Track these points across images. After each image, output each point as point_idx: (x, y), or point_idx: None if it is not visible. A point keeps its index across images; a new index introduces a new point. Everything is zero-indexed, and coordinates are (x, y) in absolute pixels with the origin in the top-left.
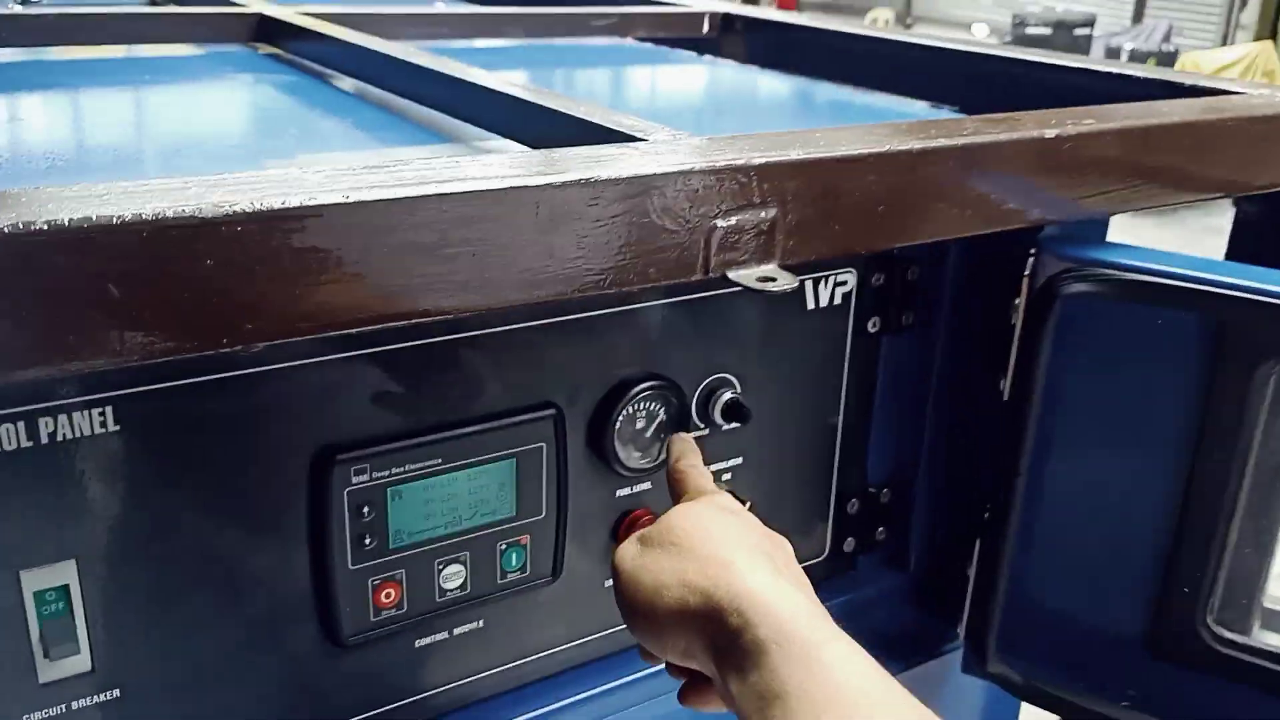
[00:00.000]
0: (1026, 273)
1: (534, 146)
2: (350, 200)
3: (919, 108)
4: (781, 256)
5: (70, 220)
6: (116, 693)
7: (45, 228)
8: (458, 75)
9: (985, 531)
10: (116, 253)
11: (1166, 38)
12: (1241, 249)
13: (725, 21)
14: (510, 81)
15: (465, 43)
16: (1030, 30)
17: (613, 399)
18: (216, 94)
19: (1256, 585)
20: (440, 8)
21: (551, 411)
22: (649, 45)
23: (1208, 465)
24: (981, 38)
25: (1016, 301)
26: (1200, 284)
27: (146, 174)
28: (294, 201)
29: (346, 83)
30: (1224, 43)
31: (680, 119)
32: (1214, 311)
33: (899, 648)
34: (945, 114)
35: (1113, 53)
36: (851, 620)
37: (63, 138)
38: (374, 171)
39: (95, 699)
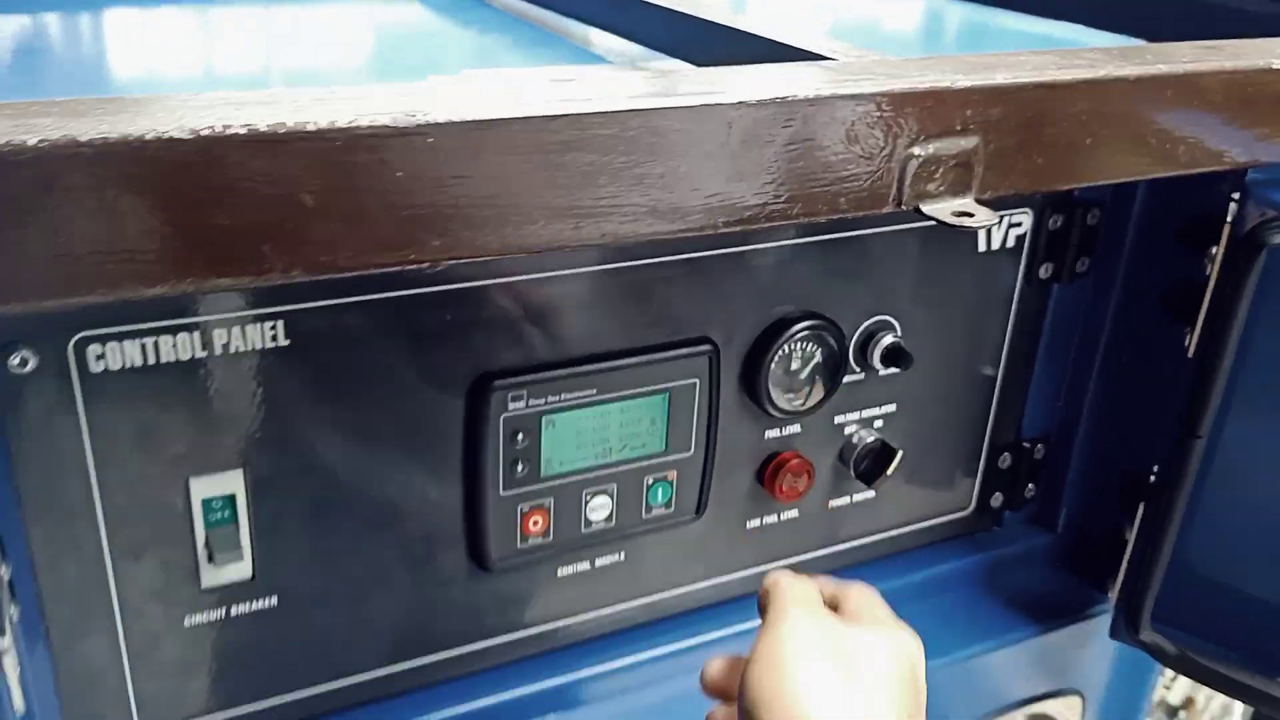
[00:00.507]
0: (1228, 219)
1: (695, 61)
2: (541, 114)
3: (1105, 39)
4: (979, 190)
5: (267, 125)
6: (274, 601)
7: (243, 132)
8: None
9: (1150, 494)
10: (311, 160)
11: None
12: None
13: None
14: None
15: None
16: None
17: (769, 337)
18: (371, 14)
19: None
20: None
21: (708, 348)
22: None
23: None
24: None
25: (1213, 250)
26: None
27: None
28: (485, 114)
29: (500, 2)
30: None
31: (856, 41)
32: None
33: (1039, 609)
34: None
35: None
36: (992, 579)
37: (242, 51)
38: (560, 85)
39: (253, 606)
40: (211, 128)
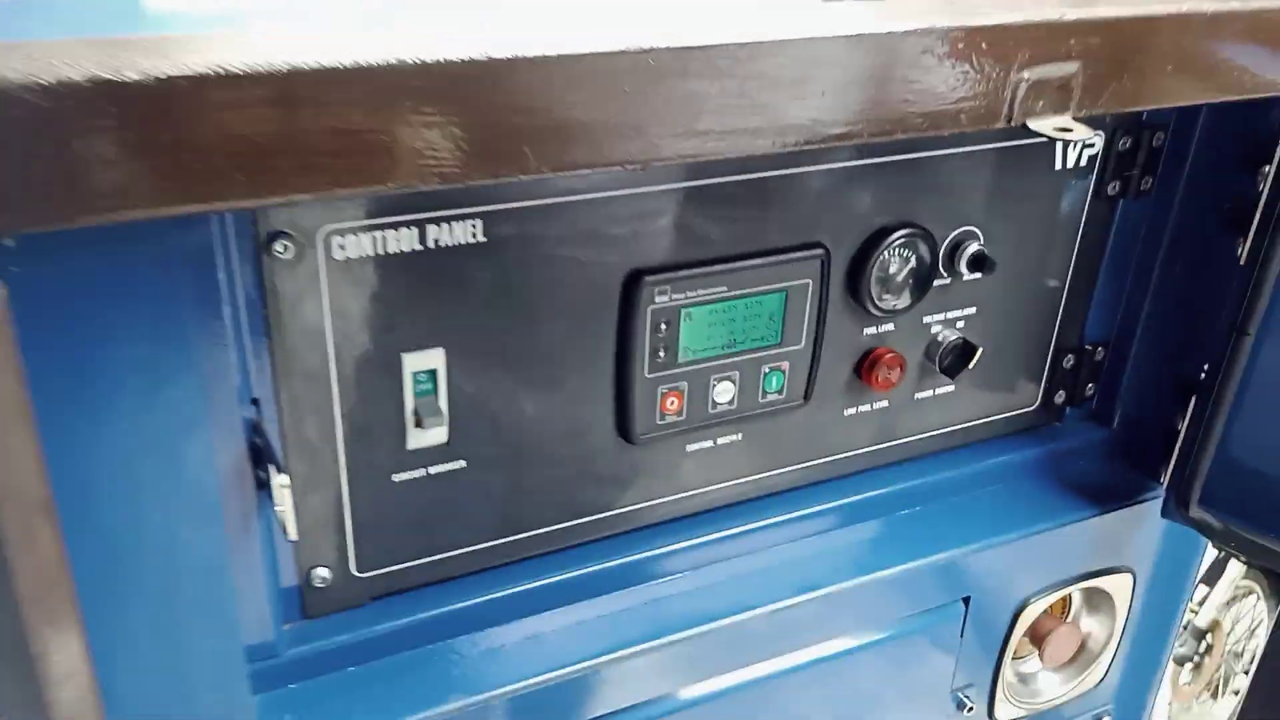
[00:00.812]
0: None
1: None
2: (722, 43)
3: None
4: (1075, 109)
5: (433, 59)
6: (462, 464)
7: (415, 64)
8: None
9: (1201, 389)
10: (578, 79)
11: None
12: None
13: None
14: None
15: None
16: None
17: (872, 243)
18: None
19: None
20: None
21: (820, 251)
22: None
23: None
24: None
25: (1266, 169)
26: None
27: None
28: (664, 43)
29: None
30: None
31: None
32: None
33: (1097, 494)
34: None
35: None
36: (1054, 468)
37: None
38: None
39: (447, 467)
40: (503, 55)
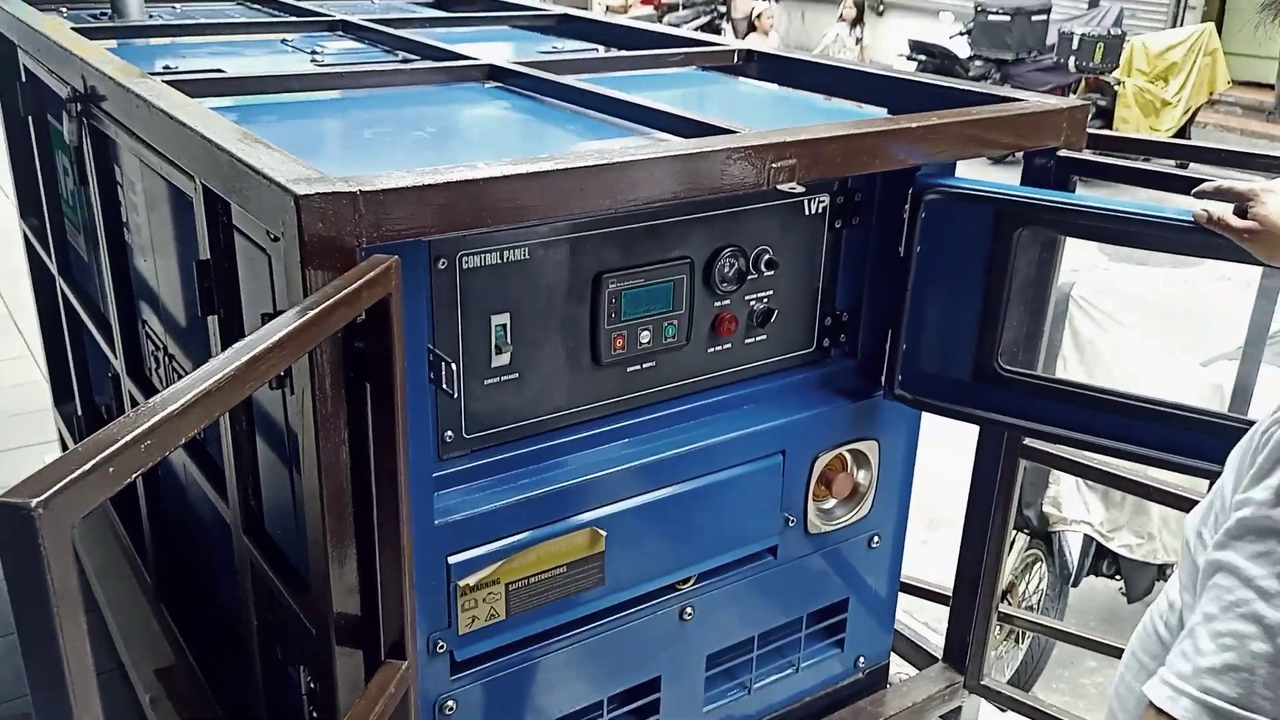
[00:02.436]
0: (911, 190)
1: (680, 135)
2: (634, 159)
3: (854, 106)
4: (798, 179)
5: (557, 168)
6: (516, 375)
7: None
8: (635, 100)
9: (894, 328)
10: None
11: (1117, 22)
12: (1030, 181)
13: (747, 54)
14: (656, 100)
15: (606, 73)
16: (991, 17)
17: (714, 255)
18: (492, 110)
19: (1021, 344)
20: (576, 53)
21: (688, 260)
22: (708, 71)
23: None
24: (947, 24)
25: (906, 206)
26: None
27: (493, 154)
28: (617, 159)
29: (551, 103)
30: (1174, 24)
31: (739, 113)
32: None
33: (851, 394)
34: (876, 112)
35: (1065, 37)
36: (827, 383)
37: (416, 133)
38: (637, 149)
39: (509, 377)
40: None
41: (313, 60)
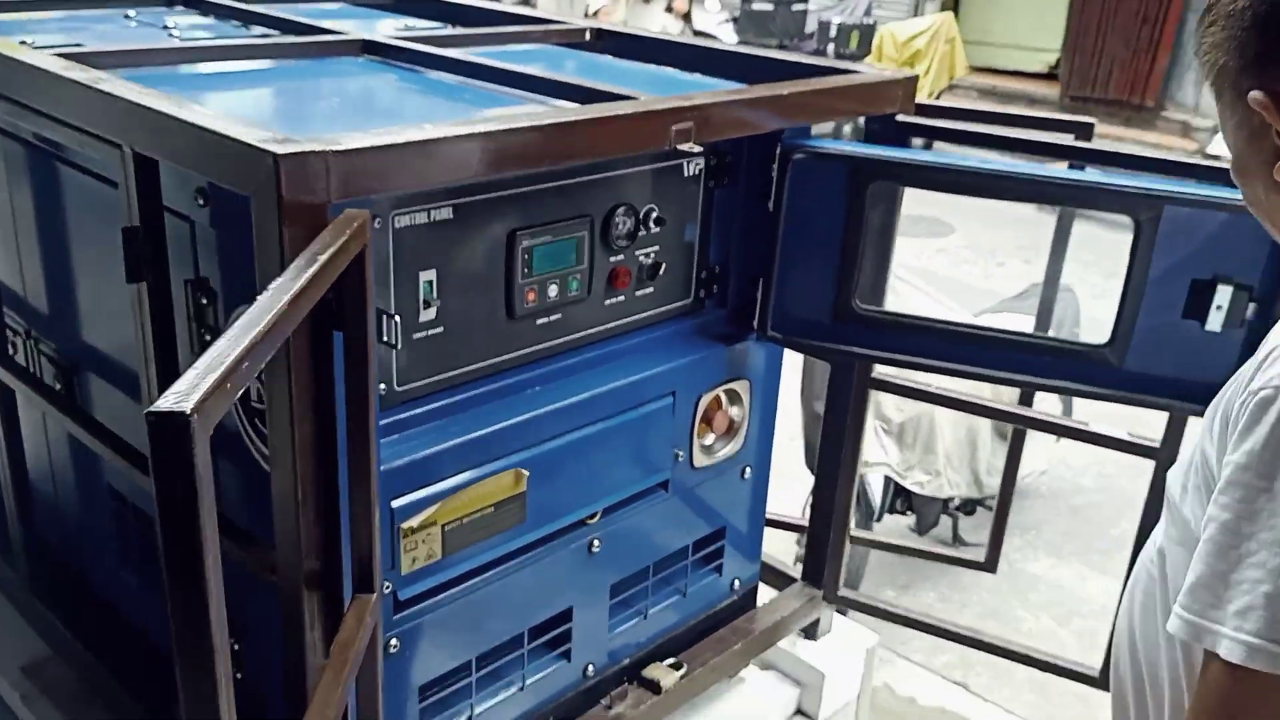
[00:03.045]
0: (779, 151)
1: (577, 102)
2: (571, 120)
3: (713, 80)
4: (694, 140)
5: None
6: (442, 329)
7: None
8: (526, 71)
9: (765, 276)
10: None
11: (868, 11)
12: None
13: (597, 33)
14: (530, 69)
15: (474, 48)
16: (755, 6)
17: (610, 214)
18: (384, 82)
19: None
20: (433, 29)
21: (589, 218)
22: (562, 47)
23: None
24: (714, 13)
25: (773, 165)
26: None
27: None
28: (562, 120)
29: (437, 75)
30: (915, 14)
31: (617, 84)
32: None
33: (726, 339)
34: (737, 84)
35: (823, 26)
36: (702, 333)
37: (326, 102)
38: (573, 112)
39: (433, 331)
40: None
41: (170, 35)
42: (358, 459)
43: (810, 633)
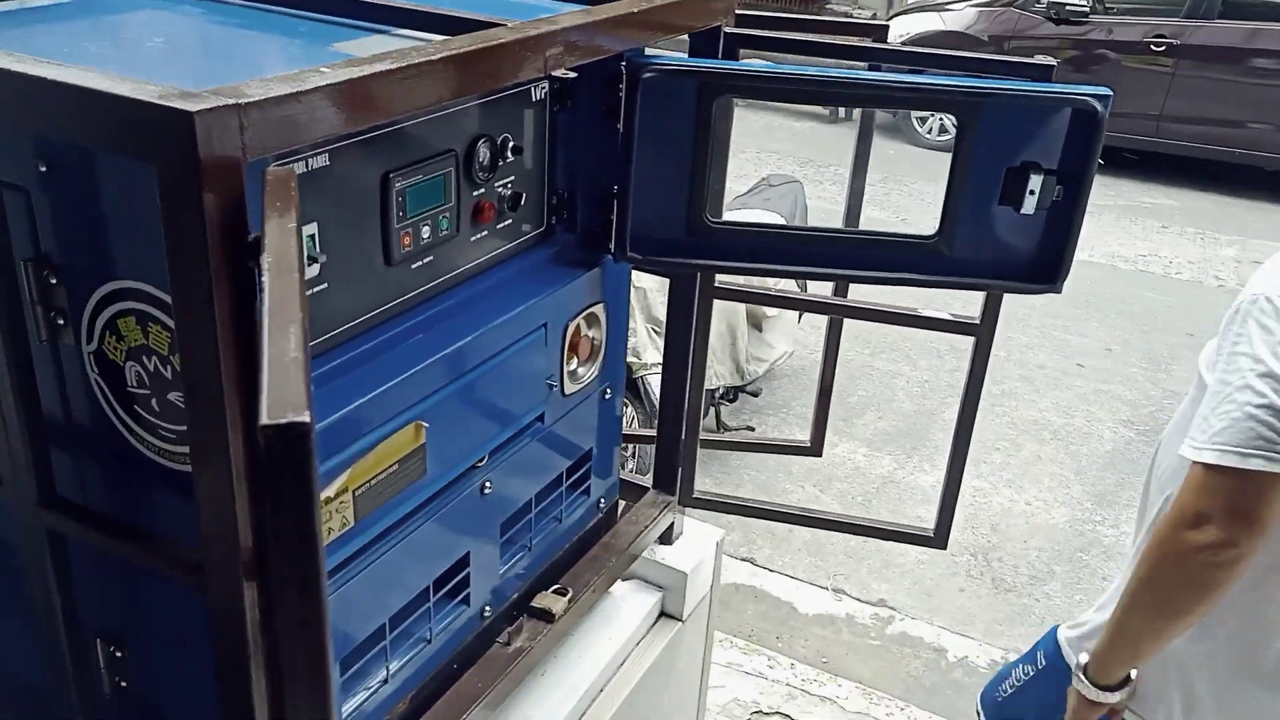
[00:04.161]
0: (626, 70)
1: (448, 33)
2: (470, 49)
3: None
4: (564, 65)
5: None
6: (326, 285)
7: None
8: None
9: (614, 197)
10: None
11: None
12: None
13: None
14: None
15: None
16: None
17: (471, 146)
18: (209, 21)
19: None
20: None
21: (453, 151)
22: None
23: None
24: None
25: (621, 86)
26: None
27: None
28: (466, 49)
29: (262, 8)
30: None
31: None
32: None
33: (583, 264)
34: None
35: None
36: (559, 261)
37: (177, 53)
38: (466, 44)
39: (320, 286)
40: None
41: None
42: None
43: (665, 538)
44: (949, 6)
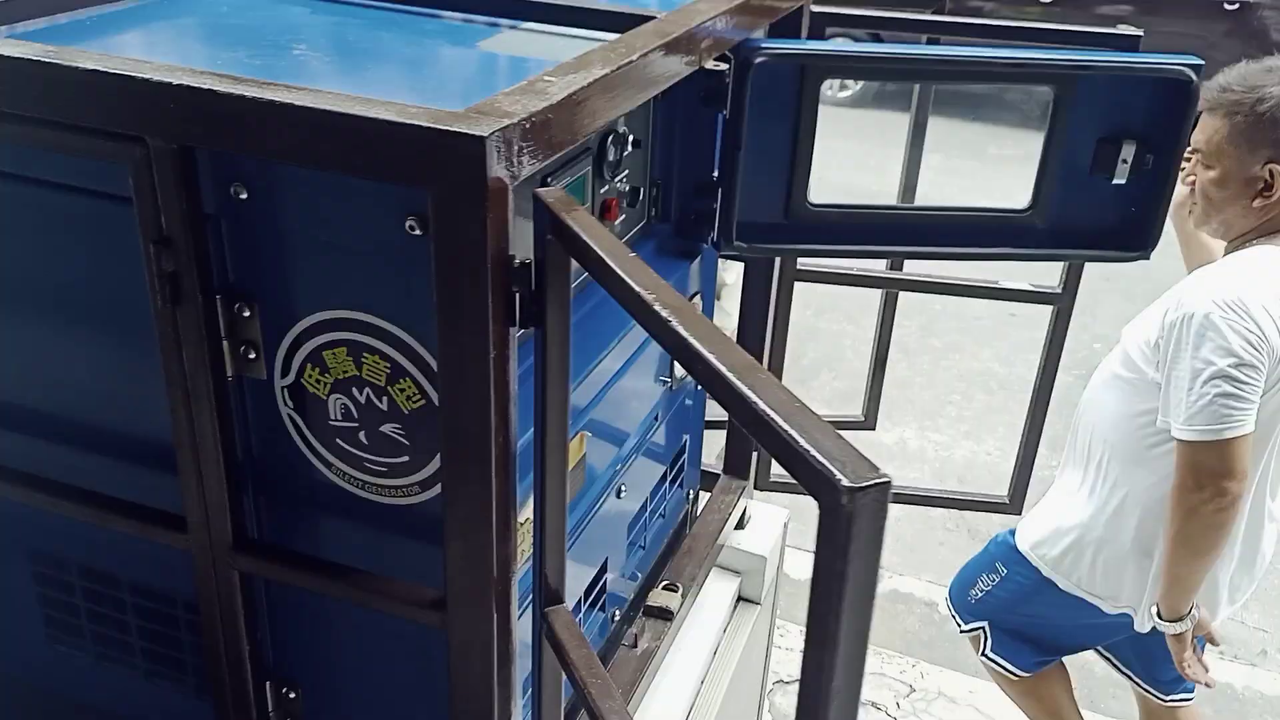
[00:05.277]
0: (735, 58)
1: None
2: (647, 53)
3: None
4: (712, 57)
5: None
6: None
7: None
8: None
9: (715, 186)
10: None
11: None
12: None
13: None
14: None
15: None
16: None
17: (602, 142)
18: (345, 20)
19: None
20: None
21: (590, 149)
22: None
23: None
24: None
25: (727, 73)
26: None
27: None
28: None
29: (394, 8)
30: None
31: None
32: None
33: (684, 254)
34: None
35: None
36: (663, 253)
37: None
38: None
39: None
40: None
41: None
42: (553, 464)
43: (740, 522)
44: None
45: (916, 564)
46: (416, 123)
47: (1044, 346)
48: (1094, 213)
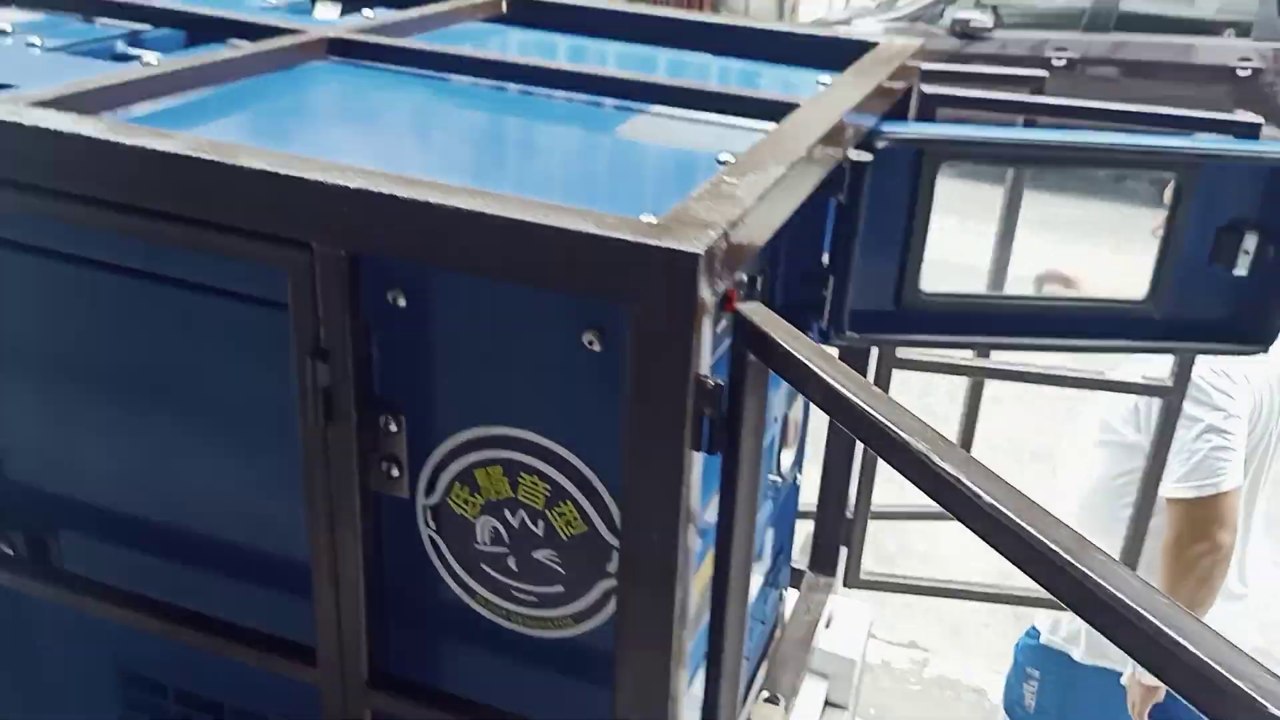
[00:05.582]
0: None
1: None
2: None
3: (756, 65)
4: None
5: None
6: None
7: None
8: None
9: (828, 272)
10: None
11: None
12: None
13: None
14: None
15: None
16: None
17: None
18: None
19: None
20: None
21: None
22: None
23: None
24: None
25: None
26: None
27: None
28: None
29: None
30: None
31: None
32: None
33: None
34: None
35: None
36: None
37: (458, 144)
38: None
39: None
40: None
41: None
42: (735, 598)
43: (827, 621)
44: (853, 23)
45: (962, 648)
46: (620, 236)
47: (1151, 446)
48: (1212, 304)
